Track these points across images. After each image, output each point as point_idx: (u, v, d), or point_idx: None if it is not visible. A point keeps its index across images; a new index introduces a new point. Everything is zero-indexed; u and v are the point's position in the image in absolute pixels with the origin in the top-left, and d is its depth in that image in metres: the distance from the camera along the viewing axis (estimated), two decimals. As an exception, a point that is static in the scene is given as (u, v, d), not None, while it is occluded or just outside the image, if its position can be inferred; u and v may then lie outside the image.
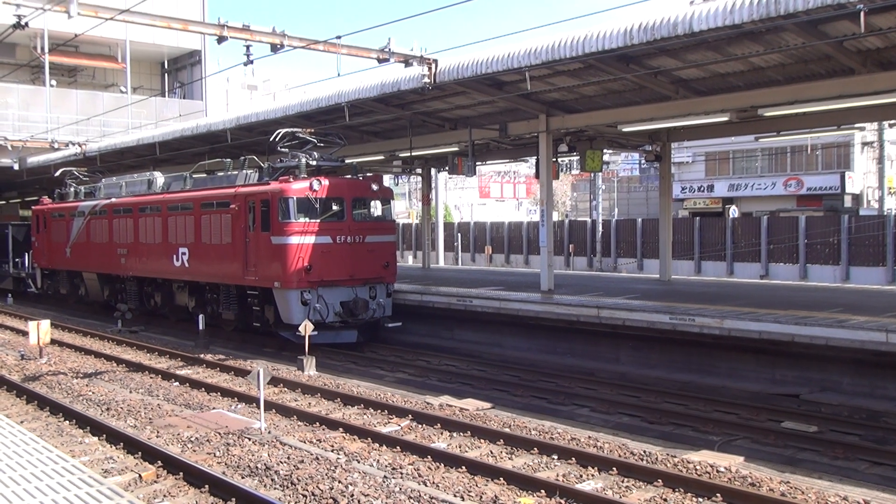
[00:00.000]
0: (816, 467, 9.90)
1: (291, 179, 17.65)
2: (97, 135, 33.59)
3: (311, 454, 9.93)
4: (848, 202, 39.69)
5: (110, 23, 13.46)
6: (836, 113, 16.20)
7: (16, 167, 31.63)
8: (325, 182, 17.73)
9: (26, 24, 12.15)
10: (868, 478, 9.53)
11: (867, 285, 24.37)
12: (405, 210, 59.98)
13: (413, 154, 22.51)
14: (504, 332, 18.32)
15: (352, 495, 8.40)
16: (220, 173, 21.27)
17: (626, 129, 18.06)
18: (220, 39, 13.43)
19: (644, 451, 9.86)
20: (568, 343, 17.00)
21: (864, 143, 39.79)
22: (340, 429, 11.30)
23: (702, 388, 13.99)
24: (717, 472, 9.09)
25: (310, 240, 17.41)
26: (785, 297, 16.94)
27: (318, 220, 17.55)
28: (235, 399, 13.45)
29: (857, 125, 24.28)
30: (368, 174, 20.32)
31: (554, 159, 19.56)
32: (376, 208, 19.04)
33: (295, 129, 18.76)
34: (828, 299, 16.39)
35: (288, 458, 9.78)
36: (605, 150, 22.60)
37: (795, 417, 11.88)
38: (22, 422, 11.83)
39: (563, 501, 8.39)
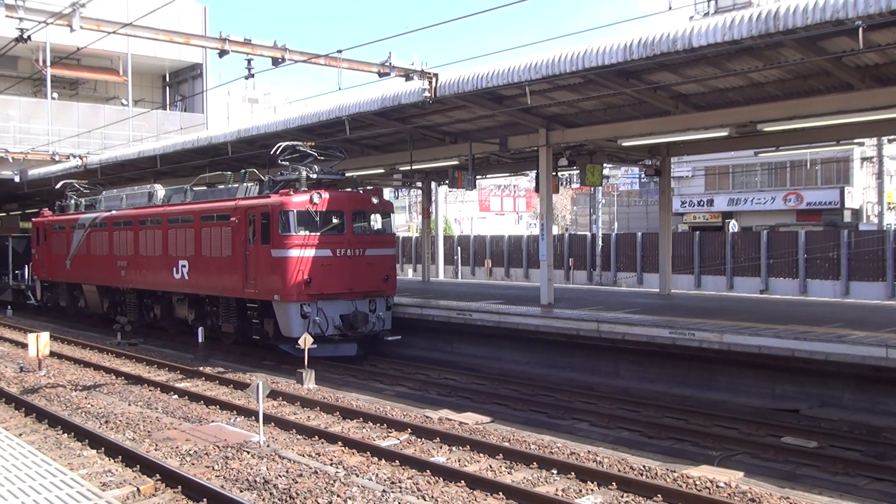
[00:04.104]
0: (817, 483, 9.88)
1: (292, 192, 17.70)
2: (98, 147, 33.67)
3: (310, 468, 9.90)
4: (847, 217, 39.78)
5: (112, 36, 13.52)
6: (835, 128, 16.24)
7: (17, 179, 31.68)
8: (326, 195, 17.77)
9: (29, 37, 12.21)
10: (868, 494, 9.50)
11: (867, 300, 24.36)
12: (405, 223, 60.04)
13: (413, 168, 22.58)
14: (504, 345, 18.30)
15: (350, 509, 8.37)
16: (221, 186, 21.31)
17: (626, 143, 18.11)
18: (222, 53, 13.51)
19: (644, 466, 9.84)
20: (568, 357, 16.98)
21: (864, 159, 39.92)
22: (339, 442, 11.27)
23: (702, 402, 13.97)
24: (717, 487, 9.07)
25: (310, 253, 17.42)
26: (785, 312, 16.94)
27: (318, 234, 17.57)
28: (234, 412, 13.42)
29: (856, 140, 24.34)
30: (369, 187, 20.36)
31: (554, 173, 19.62)
32: (376, 221, 19.06)
33: (295, 143, 18.81)
34: (828, 314, 16.38)
35: (287, 471, 9.76)
36: (604, 165, 22.64)
37: (795, 433, 11.85)
38: (20, 434, 11.79)
39: (562, 516, 8.36)
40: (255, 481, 9.38)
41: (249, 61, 13.92)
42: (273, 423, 12.39)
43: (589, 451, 10.61)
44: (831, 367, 12.71)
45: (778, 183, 42.14)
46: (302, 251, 17.36)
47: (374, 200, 18.87)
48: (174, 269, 20.97)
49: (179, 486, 9.23)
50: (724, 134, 16.23)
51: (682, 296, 22.90)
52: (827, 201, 39.82)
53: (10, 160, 30.66)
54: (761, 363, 13.74)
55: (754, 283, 34.74)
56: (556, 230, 49.55)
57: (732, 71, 13.50)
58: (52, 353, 18.89)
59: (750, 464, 10.59)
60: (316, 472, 9.68)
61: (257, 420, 11.67)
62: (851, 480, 9.97)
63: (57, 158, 30.36)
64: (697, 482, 9.21)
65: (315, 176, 18.48)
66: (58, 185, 29.25)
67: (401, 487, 9.21)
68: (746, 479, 9.63)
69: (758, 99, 14.99)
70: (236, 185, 20.02)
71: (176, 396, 14.93)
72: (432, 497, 8.92)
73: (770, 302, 21.22)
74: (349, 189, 19.57)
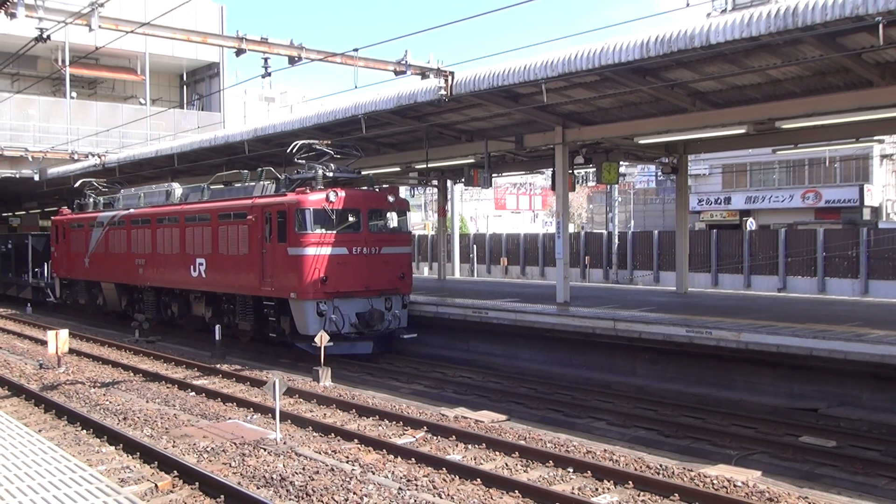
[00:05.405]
0: (835, 483, 9.81)
1: (308, 191, 17.75)
2: (116, 146, 33.91)
3: (327, 465, 9.93)
4: (867, 215, 39.35)
5: (130, 36, 13.62)
6: (854, 125, 16.09)
7: (36, 178, 31.97)
8: (342, 193, 17.81)
9: (48, 37, 12.30)
10: (888, 494, 9.43)
11: (887, 299, 24.11)
12: (421, 221, 60.12)
13: (429, 166, 22.56)
14: (520, 344, 18.28)
15: (367, 507, 8.39)
16: (238, 184, 21.40)
17: (643, 141, 18.02)
18: (239, 52, 13.56)
19: (660, 465, 9.80)
20: (584, 355, 16.94)
21: (884, 156, 39.50)
22: (355, 440, 11.30)
23: (719, 401, 13.90)
24: (735, 486, 9.02)
25: (326, 251, 17.47)
26: (803, 311, 16.81)
27: (335, 232, 17.62)
28: (251, 409, 13.49)
29: (875, 137, 24.09)
30: (385, 186, 20.39)
31: (570, 171, 19.54)
32: (392, 220, 19.09)
33: (312, 141, 18.85)
34: (846, 313, 16.24)
35: (303, 468, 9.80)
36: (621, 162, 22.56)
37: (814, 432, 11.78)
38: (40, 430, 11.92)
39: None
40: (272, 478, 9.43)
41: (266, 60, 13.96)
42: (289, 421, 12.44)
43: (605, 450, 10.58)
44: (850, 366, 12.60)
45: (796, 181, 41.78)
46: (318, 249, 17.41)
47: (390, 198, 18.90)
48: (191, 267, 21.09)
49: (197, 483, 9.29)
50: (742, 131, 16.13)
51: (699, 294, 22.78)
52: (846, 199, 39.43)
53: (30, 159, 30.93)
54: (779, 362, 13.65)
55: (772, 282, 34.51)
56: (572, 228, 49.43)
57: (750, 68, 13.40)
58: (72, 351, 19.06)
59: (768, 463, 10.54)
60: (332, 470, 9.71)
61: (274, 417, 11.73)
62: (871, 480, 9.90)
63: (76, 157, 30.59)
64: (714, 481, 9.16)
65: (331, 174, 18.53)
66: (76, 184, 29.47)
67: (417, 485, 9.23)
68: (764, 478, 9.58)
69: (776, 96, 14.86)
70: (253, 184, 20.10)
71: (193, 393, 15.02)
72: (448, 495, 8.92)
73: (788, 300, 21.06)
74: (365, 187, 19.60)
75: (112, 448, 11.02)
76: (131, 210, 24.75)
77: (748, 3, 34.53)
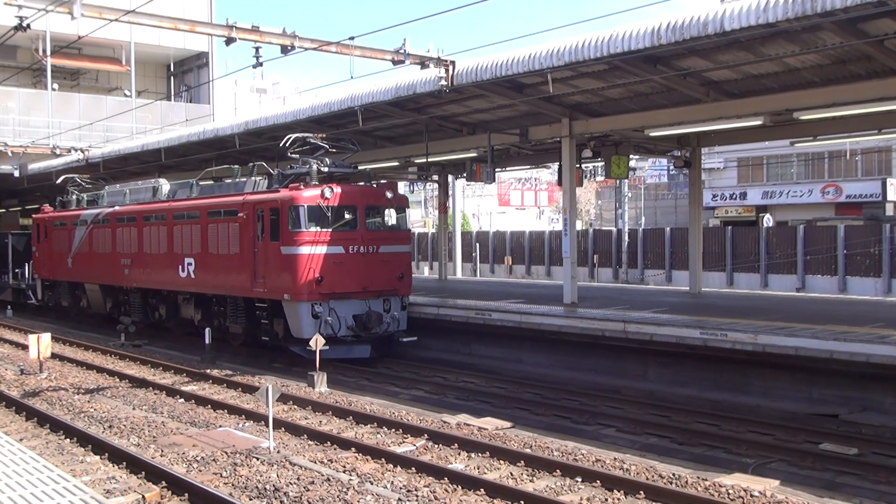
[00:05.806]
0: (857, 492, 9.80)
1: (302, 187, 17.75)
2: (100, 140, 33.91)
3: (322, 475, 9.94)
4: (889, 210, 39.33)
5: (115, 24, 13.62)
6: (876, 116, 16.08)
7: (16, 174, 31.97)
8: (338, 189, 17.82)
9: (28, 25, 12.31)
10: (913, 504, 9.42)
11: (911, 299, 24.15)
12: (421, 219, 60.17)
13: (429, 160, 22.57)
14: (525, 347, 18.29)
15: (365, 519, 8.39)
16: (228, 180, 21.41)
17: (654, 133, 18.01)
18: (229, 41, 13.56)
19: (673, 474, 9.80)
20: (592, 359, 16.94)
21: (907, 148, 39.49)
22: (353, 448, 11.31)
23: (735, 407, 13.90)
24: (751, 496, 9.01)
25: (321, 250, 17.48)
26: (823, 311, 16.82)
27: (330, 230, 17.63)
28: (243, 417, 13.49)
29: (899, 129, 24.08)
30: (382, 181, 20.44)
31: (577, 165, 19.56)
32: (391, 217, 19.10)
33: (306, 135, 18.86)
34: (869, 313, 16.25)
35: (298, 478, 9.80)
36: (631, 156, 22.55)
37: (834, 439, 11.77)
38: (21, 439, 11.90)
39: (587, 527, 8.34)
40: (265, 489, 9.43)
41: (257, 49, 13.98)
42: (283, 429, 12.45)
43: (615, 459, 10.58)
44: (873, 369, 12.60)
45: (815, 175, 41.78)
46: (313, 248, 17.42)
47: (389, 195, 18.90)
48: (180, 267, 21.10)
49: (186, 494, 9.29)
50: (758, 123, 16.12)
51: (713, 294, 22.79)
52: (868, 194, 39.43)
53: (10, 154, 30.93)
54: (798, 365, 13.64)
55: (790, 281, 34.50)
56: (579, 225, 49.44)
57: (767, 56, 13.40)
58: (54, 355, 19.07)
59: (786, 472, 10.53)
60: (328, 480, 9.72)
61: (267, 425, 11.73)
62: (894, 489, 9.89)
63: (58, 152, 30.61)
64: (730, 491, 9.16)
65: (326, 169, 18.54)
66: (59, 180, 29.51)
67: (417, 496, 9.23)
68: (782, 487, 9.57)
69: (794, 85, 14.87)
70: (244, 180, 20.10)
71: (182, 400, 15.03)
72: (450, 506, 8.93)
73: (807, 301, 21.06)
74: (362, 183, 19.61)
75: (97, 457, 11.03)
76: (116, 207, 24.77)
77: (764, -13, 34.45)
